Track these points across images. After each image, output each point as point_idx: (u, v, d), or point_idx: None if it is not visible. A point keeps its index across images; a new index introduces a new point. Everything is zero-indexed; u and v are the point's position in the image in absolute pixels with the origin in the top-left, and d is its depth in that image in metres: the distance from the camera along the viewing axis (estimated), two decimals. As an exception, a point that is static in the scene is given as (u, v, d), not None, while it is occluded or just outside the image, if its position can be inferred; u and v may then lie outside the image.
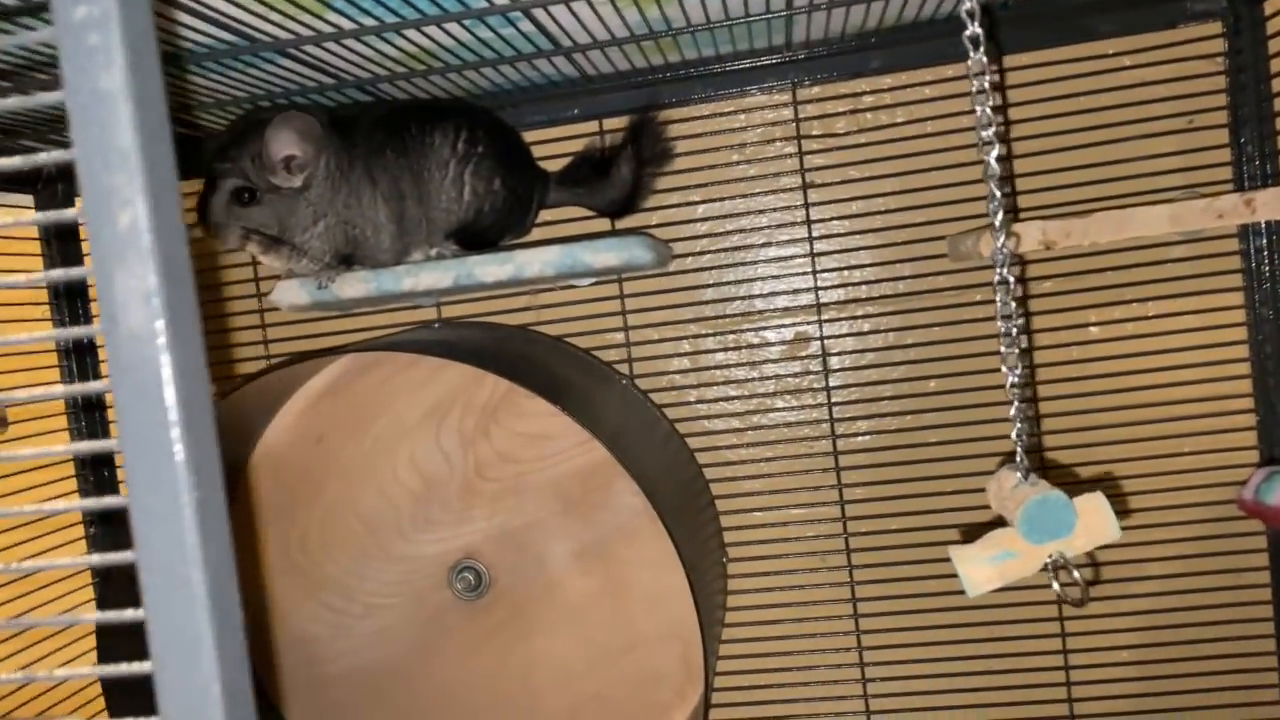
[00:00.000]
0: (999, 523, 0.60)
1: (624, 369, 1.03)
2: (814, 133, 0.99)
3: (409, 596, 0.99)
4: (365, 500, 0.99)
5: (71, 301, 1.04)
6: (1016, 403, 0.61)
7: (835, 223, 0.99)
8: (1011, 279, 0.62)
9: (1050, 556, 0.58)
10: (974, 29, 0.59)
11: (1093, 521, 0.59)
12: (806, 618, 1.01)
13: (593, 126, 0.99)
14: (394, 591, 0.99)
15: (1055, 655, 0.98)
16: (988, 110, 0.60)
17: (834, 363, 1.00)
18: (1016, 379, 0.61)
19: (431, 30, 0.72)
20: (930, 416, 0.99)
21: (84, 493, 1.03)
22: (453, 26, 0.72)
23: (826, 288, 0.99)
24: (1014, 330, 0.62)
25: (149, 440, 0.29)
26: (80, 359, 1.04)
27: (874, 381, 0.99)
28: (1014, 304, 0.62)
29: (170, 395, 0.29)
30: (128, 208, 0.29)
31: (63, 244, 1.03)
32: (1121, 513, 0.96)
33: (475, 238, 0.92)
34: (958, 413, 0.97)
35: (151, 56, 0.29)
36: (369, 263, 0.86)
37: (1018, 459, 0.61)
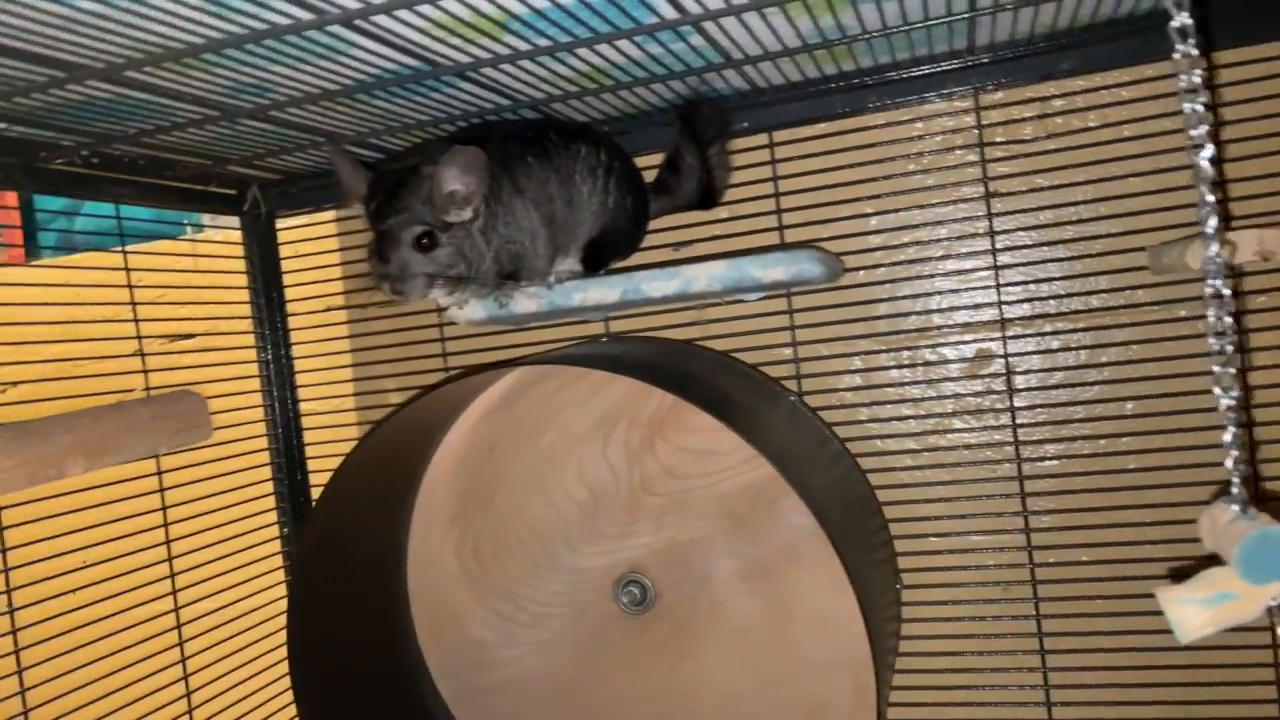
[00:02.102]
0: (1212, 560, 0.54)
1: (792, 385, 1.00)
2: (998, 139, 0.94)
3: (574, 607, 1.00)
4: (534, 510, 1.00)
5: (272, 314, 1.11)
6: (1232, 428, 0.55)
7: (1021, 234, 0.94)
8: (1226, 292, 0.56)
9: (1273, 599, 0.52)
10: (1181, 19, 0.54)
11: (1323, 563, 0.53)
12: (987, 651, 0.95)
13: (763, 139, 0.97)
14: (560, 601, 1.01)
15: (1270, 705, 0.89)
16: (1198, 108, 0.55)
17: (1019, 381, 0.94)
18: (1231, 401, 0.55)
19: (603, 48, 0.73)
20: (1128, 441, 0.91)
21: (279, 495, 1.10)
22: (624, 43, 0.72)
23: (1011, 302, 0.93)
24: (1228, 348, 0.56)
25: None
26: (279, 369, 1.11)
27: (1064, 403, 0.93)
28: (1228, 320, 0.56)
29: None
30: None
31: (265, 263, 1.11)
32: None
33: (603, 251, 0.91)
34: (1160, 437, 0.89)
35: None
36: (530, 275, 0.87)
37: (1233, 490, 0.55)
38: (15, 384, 0.97)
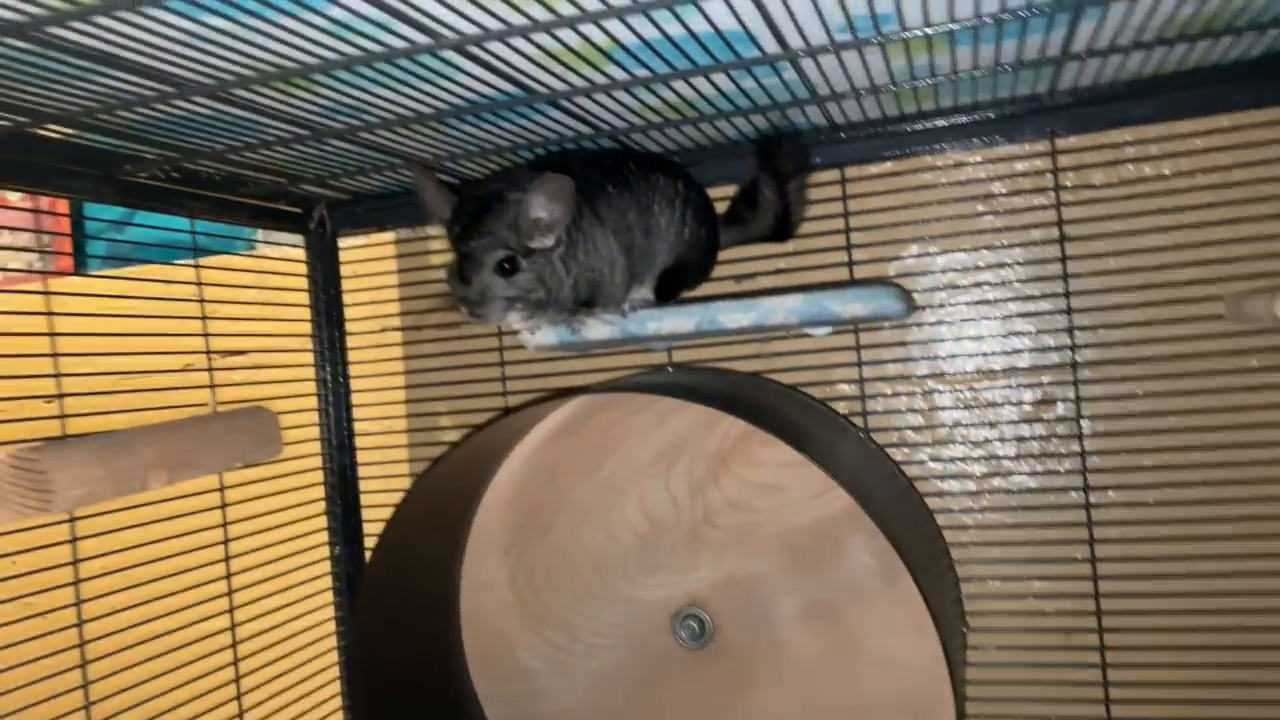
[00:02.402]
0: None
1: (857, 422, 1.00)
2: (1068, 184, 0.94)
3: (630, 640, 0.99)
4: (593, 539, 1.00)
5: (331, 333, 1.11)
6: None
7: (1092, 279, 0.93)
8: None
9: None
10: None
11: None
12: (1049, 699, 0.94)
13: (834, 175, 0.98)
14: (616, 633, 1.00)
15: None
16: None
17: (1087, 427, 0.93)
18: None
19: (698, 80, 0.73)
20: (1198, 491, 0.90)
21: (332, 515, 1.09)
22: (719, 76, 0.73)
23: (1083, 346, 0.93)
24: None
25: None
26: (335, 388, 1.11)
27: (1134, 450, 0.92)
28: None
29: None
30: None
31: (327, 281, 1.11)
32: None
33: (676, 281, 0.92)
34: (1231, 488, 0.89)
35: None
36: (605, 302, 0.87)
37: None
38: (61, 396, 0.98)
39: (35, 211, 1.45)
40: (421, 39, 0.59)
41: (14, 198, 1.39)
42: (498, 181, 0.81)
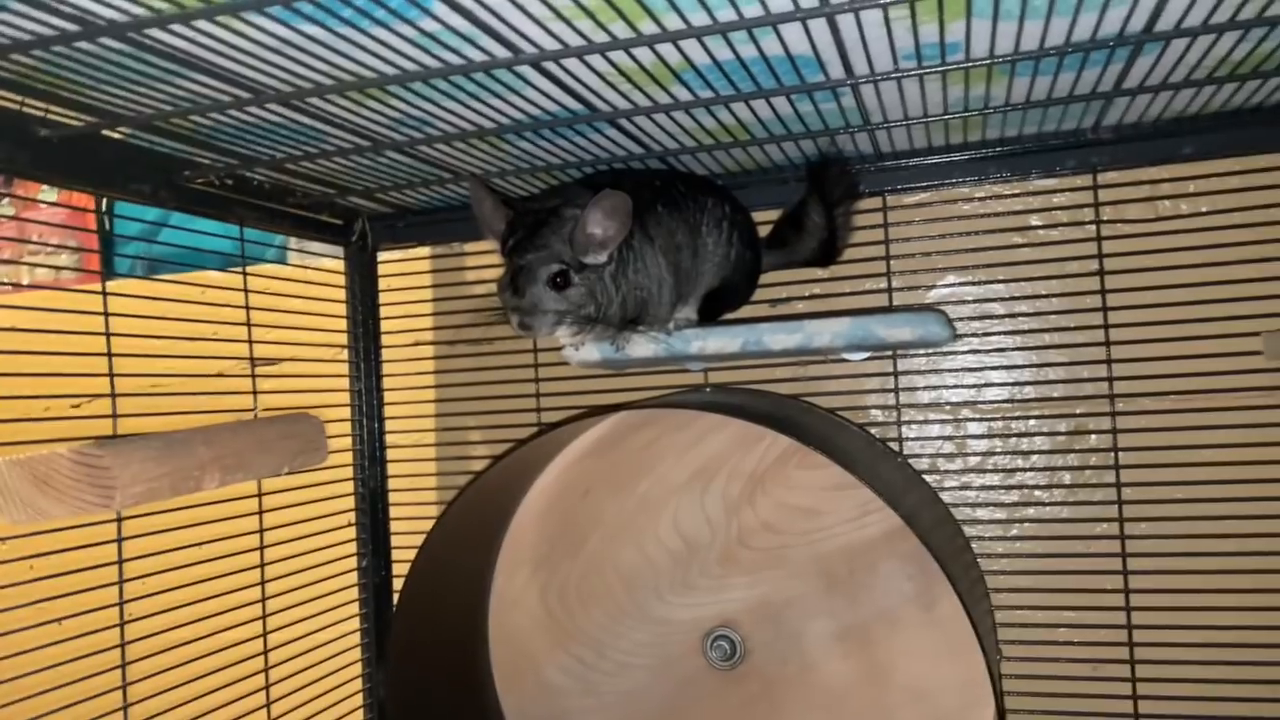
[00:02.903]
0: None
1: (893, 447, 1.01)
2: (1106, 217, 0.95)
3: (661, 659, 0.99)
4: (625, 557, 1.00)
5: (367, 346, 1.11)
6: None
7: (1130, 312, 0.94)
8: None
9: None
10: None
11: None
12: (1080, 729, 0.94)
13: (877, 203, 0.99)
14: (646, 653, 1.00)
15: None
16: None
17: (1124, 459, 0.94)
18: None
19: (758, 103, 0.74)
20: (1231, 524, 0.91)
21: (361, 526, 1.09)
22: (779, 100, 0.74)
23: (1120, 378, 0.94)
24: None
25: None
26: (368, 400, 1.11)
27: (1170, 482, 0.92)
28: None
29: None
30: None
31: (365, 294, 1.12)
32: None
33: (720, 302, 0.93)
34: (1268, 522, 0.89)
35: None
36: (651, 321, 0.88)
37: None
38: (91, 398, 0.98)
39: (57, 225, 1.46)
40: (502, 53, 0.60)
41: (43, 204, 1.40)
42: (554, 197, 0.82)
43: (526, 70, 0.64)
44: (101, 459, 0.63)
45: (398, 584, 1.10)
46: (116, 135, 0.77)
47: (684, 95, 0.72)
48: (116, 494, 0.62)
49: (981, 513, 1.00)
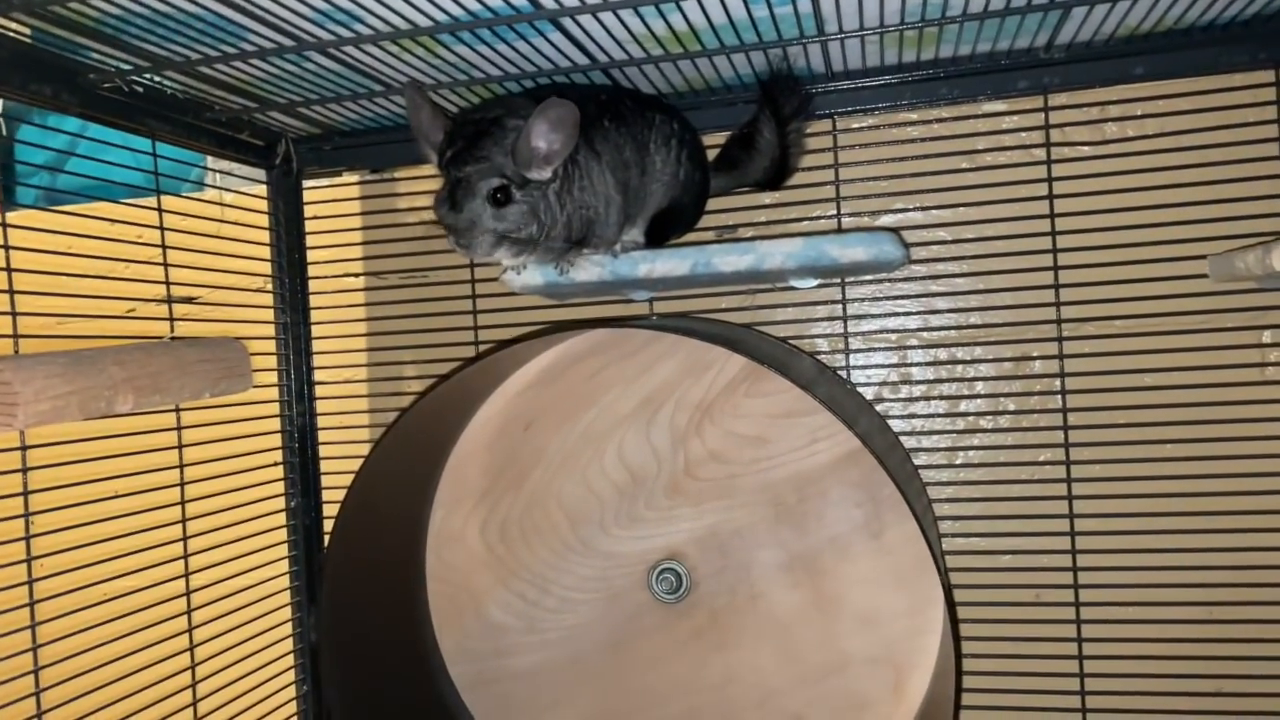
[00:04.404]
0: None
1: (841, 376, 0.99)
2: (1055, 140, 0.94)
3: (605, 594, 0.97)
4: (569, 491, 0.97)
5: (293, 278, 1.05)
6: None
7: (1077, 236, 0.93)
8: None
9: None
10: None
11: None
12: (1023, 654, 0.94)
13: (826, 125, 0.96)
14: (590, 588, 0.97)
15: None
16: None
17: (1070, 384, 0.94)
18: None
19: (710, 3, 0.71)
20: (1177, 448, 0.91)
21: (289, 465, 1.04)
22: (734, 2, 0.70)
23: (1068, 303, 0.93)
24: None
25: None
26: (295, 334, 1.06)
27: (1115, 406, 0.92)
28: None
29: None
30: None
31: (289, 223, 1.06)
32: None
33: (669, 223, 0.89)
34: (1212, 445, 0.90)
35: None
36: (598, 243, 0.84)
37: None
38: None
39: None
40: (440, -73, 0.55)
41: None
42: (496, 107, 0.78)
43: (466, -48, 0.59)
44: (1, 373, 0.57)
45: (329, 525, 1.05)
46: (13, 30, 0.70)
47: (633, -7, 0.68)
48: (19, 411, 0.57)
49: (927, 441, 0.99)
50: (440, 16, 0.70)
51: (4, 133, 1.24)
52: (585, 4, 0.69)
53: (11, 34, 0.70)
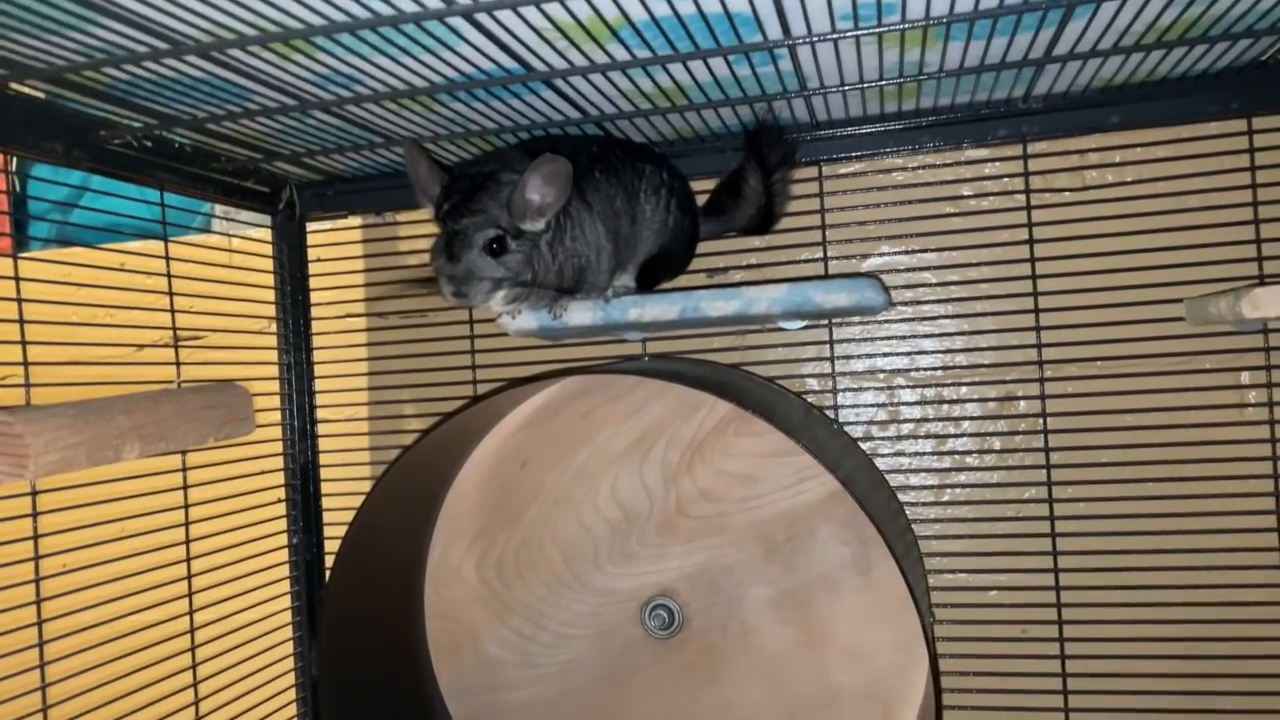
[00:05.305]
0: None
1: (828, 415, 1.01)
2: (1035, 187, 0.97)
3: (599, 629, 0.99)
4: (564, 528, 0.99)
5: (296, 318, 1.08)
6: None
7: (1058, 280, 0.96)
8: None
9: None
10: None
11: None
12: (1010, 689, 0.96)
13: (812, 172, 0.99)
14: (585, 623, 0.99)
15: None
16: None
17: (1052, 424, 0.96)
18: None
19: (695, 65, 0.74)
20: (1157, 487, 0.93)
21: (291, 502, 1.07)
22: (717, 61, 0.73)
23: (1049, 345, 0.96)
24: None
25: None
26: (298, 373, 1.08)
27: (1096, 445, 0.95)
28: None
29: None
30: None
31: (293, 265, 1.09)
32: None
33: (659, 269, 0.92)
34: (1190, 484, 0.92)
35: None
36: (590, 289, 0.87)
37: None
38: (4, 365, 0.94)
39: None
40: (434, 3, 0.59)
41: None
42: (491, 162, 0.81)
43: (459, 23, 0.62)
44: (13, 426, 0.60)
45: (329, 561, 1.07)
46: (30, 92, 0.73)
47: (621, 55, 0.71)
48: (30, 463, 0.60)
49: (914, 479, 1.01)
50: (437, 79, 0.73)
51: (17, 188, 1.28)
52: (574, 66, 0.72)
53: (25, 94, 0.73)
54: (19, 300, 0.75)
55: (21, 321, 0.74)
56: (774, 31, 0.68)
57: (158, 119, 0.79)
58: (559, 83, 0.76)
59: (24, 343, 0.74)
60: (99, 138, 0.81)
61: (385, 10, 0.59)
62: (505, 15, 0.62)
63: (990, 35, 0.72)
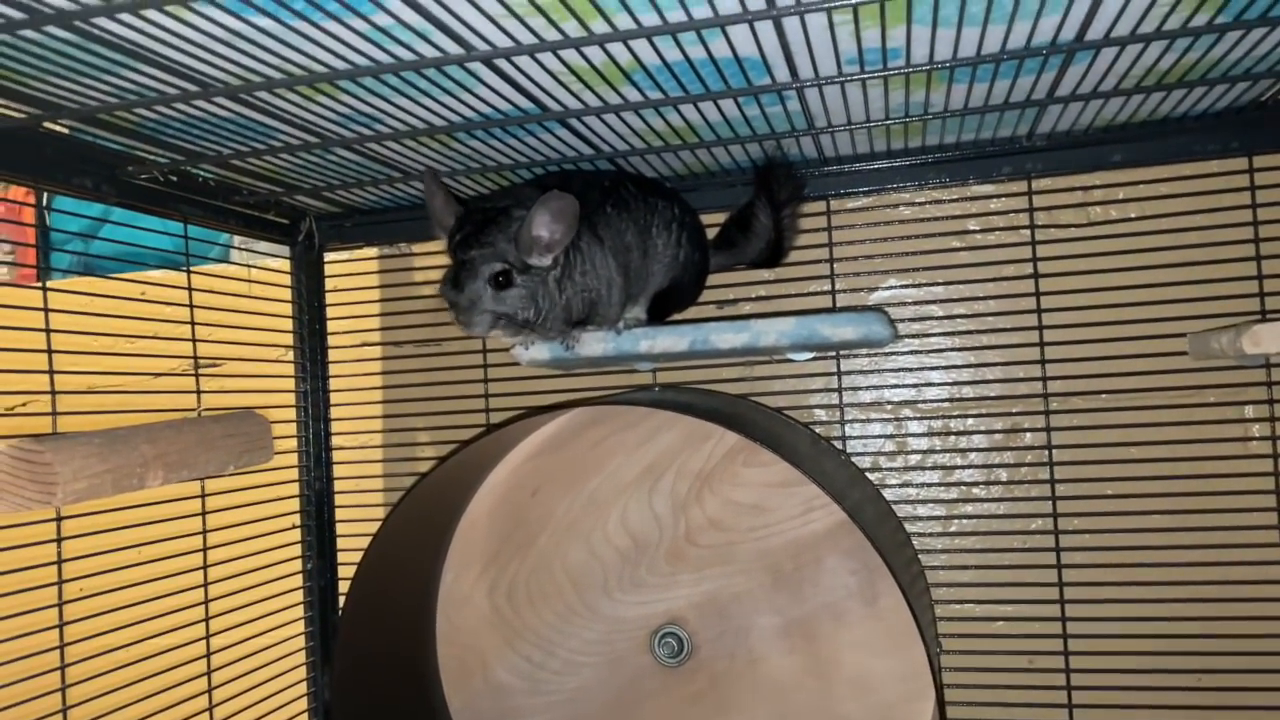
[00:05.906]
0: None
1: (837, 446, 1.03)
2: (1040, 223, 0.99)
3: (609, 657, 1.00)
4: (574, 556, 1.00)
5: (313, 347, 1.10)
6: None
7: (1062, 314, 0.98)
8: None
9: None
10: None
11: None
12: (1017, 720, 0.97)
13: (821, 207, 1.01)
14: (594, 650, 1.00)
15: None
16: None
17: (1058, 456, 0.97)
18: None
19: (706, 105, 0.76)
20: (1162, 519, 0.94)
21: (306, 529, 1.08)
22: (727, 102, 0.76)
23: (1054, 378, 0.97)
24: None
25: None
26: (315, 401, 1.10)
27: (1101, 478, 0.96)
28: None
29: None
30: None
31: (311, 295, 1.11)
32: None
33: (669, 302, 0.94)
34: (1196, 517, 0.93)
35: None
36: (601, 321, 0.89)
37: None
38: (30, 394, 0.96)
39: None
40: (454, 49, 0.61)
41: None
42: (504, 197, 0.83)
43: (478, 67, 0.65)
44: (42, 454, 0.62)
45: (343, 587, 1.09)
46: (59, 128, 0.75)
47: (634, 96, 0.73)
48: (58, 490, 0.61)
49: (922, 509, 1.02)
50: (455, 118, 0.75)
51: (48, 222, 1.30)
52: (588, 106, 0.74)
53: (56, 131, 0.75)
54: (47, 331, 0.77)
55: (50, 351, 0.76)
56: (782, 75, 0.70)
57: (184, 155, 0.82)
58: (573, 122, 0.78)
59: (51, 372, 0.76)
60: (127, 173, 0.83)
61: (407, 55, 0.61)
62: (523, 60, 0.64)
63: (993, 78, 0.74)
